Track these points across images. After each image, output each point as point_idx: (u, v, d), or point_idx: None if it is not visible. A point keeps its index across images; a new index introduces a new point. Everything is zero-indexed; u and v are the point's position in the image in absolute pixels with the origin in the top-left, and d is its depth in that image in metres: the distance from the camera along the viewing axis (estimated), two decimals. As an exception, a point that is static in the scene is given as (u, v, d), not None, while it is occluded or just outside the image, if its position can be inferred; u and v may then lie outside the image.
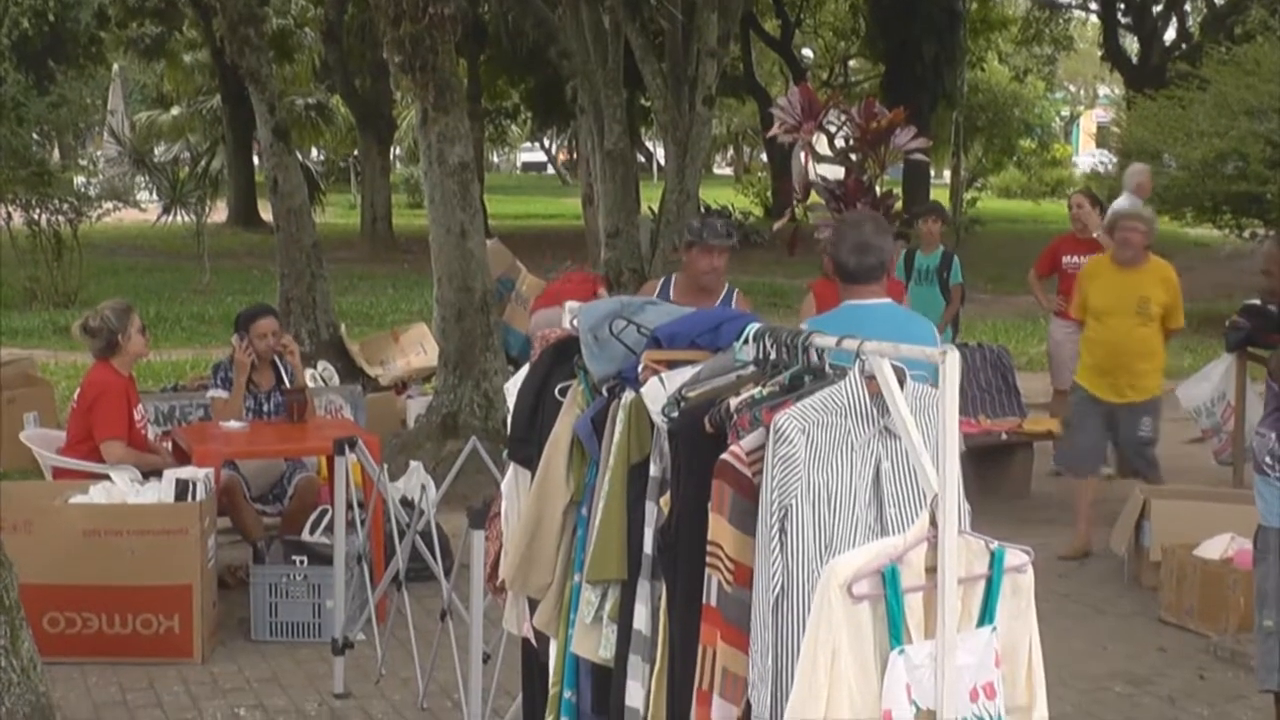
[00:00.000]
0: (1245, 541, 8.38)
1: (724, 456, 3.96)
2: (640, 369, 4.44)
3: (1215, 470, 11.42)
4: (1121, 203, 13.05)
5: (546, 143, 65.90)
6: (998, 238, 33.83)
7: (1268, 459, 5.93)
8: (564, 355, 4.89)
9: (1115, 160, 24.63)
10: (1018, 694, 3.81)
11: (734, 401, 4.10)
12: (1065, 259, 12.25)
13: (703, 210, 21.35)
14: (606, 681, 4.45)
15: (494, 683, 6.14)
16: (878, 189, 17.71)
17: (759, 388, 4.14)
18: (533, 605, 4.90)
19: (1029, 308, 23.02)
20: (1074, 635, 8.02)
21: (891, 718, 3.57)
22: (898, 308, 6.31)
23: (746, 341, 4.28)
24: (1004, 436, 11.26)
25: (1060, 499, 10.87)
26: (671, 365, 4.40)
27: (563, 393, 4.84)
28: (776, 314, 17.60)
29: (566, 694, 4.64)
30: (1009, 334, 18.98)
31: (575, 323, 4.80)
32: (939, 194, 35.62)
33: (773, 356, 4.22)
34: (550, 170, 69.67)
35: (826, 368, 4.09)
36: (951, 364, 3.67)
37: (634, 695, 4.30)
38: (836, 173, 17.04)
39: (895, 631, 3.59)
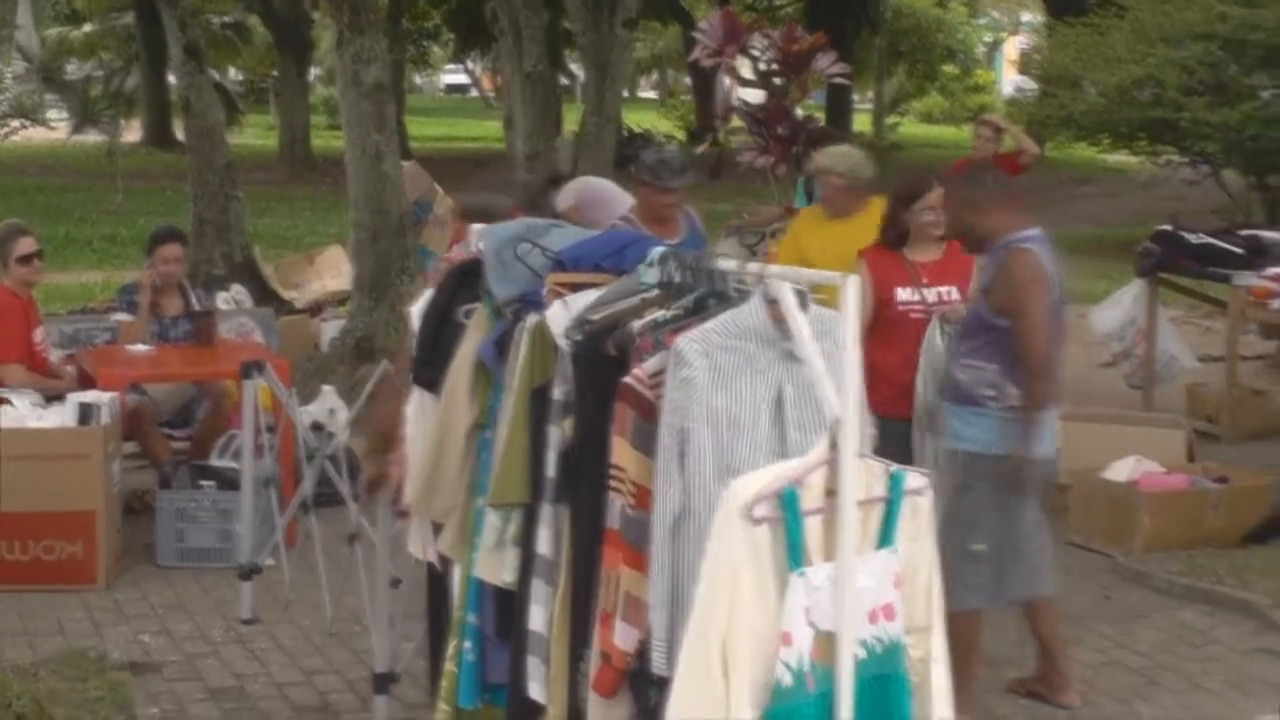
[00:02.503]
0: (1151, 464, 8.52)
1: (626, 379, 3.95)
2: (544, 292, 4.42)
3: (1125, 394, 11.52)
4: None
5: (470, 65, 65.36)
6: (919, 162, 33.87)
7: (986, 390, 5.93)
8: (468, 278, 4.86)
9: (1036, 86, 24.69)
10: (917, 615, 3.83)
11: (637, 325, 4.10)
12: None
13: (624, 134, 21.27)
14: (510, 605, 4.45)
15: (402, 608, 6.12)
16: (799, 113, 17.71)
17: (662, 311, 4.13)
18: (437, 529, 4.89)
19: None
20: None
21: (790, 639, 3.58)
22: None
23: (651, 265, 4.26)
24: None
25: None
26: (575, 288, 4.38)
27: (467, 315, 4.81)
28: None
29: (470, 618, 4.64)
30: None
31: (480, 245, 4.77)
32: (861, 119, 35.67)
33: (677, 280, 4.20)
34: (474, 92, 69.16)
35: (730, 291, 4.08)
36: (852, 288, 3.67)
37: (537, 619, 4.30)
38: (758, 97, 17.00)
39: (794, 554, 3.60)
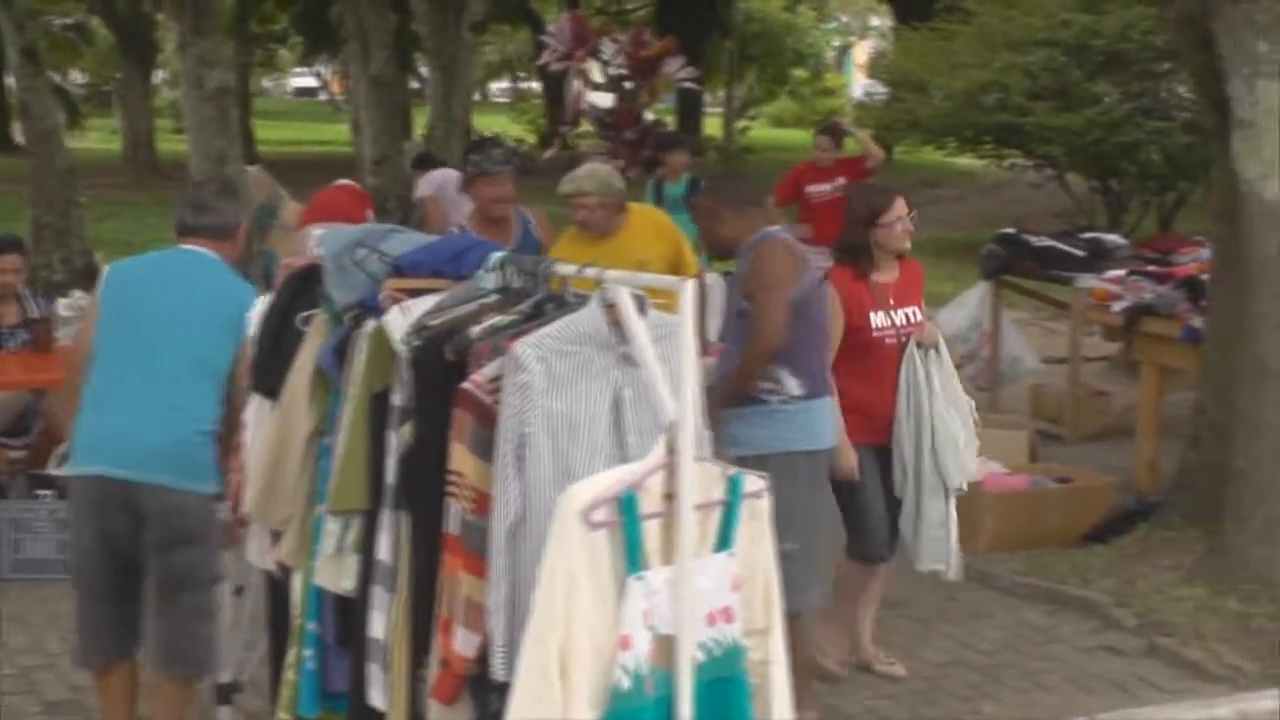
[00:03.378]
0: (995, 465, 8.62)
1: (464, 385, 3.94)
2: (382, 297, 4.39)
3: (971, 395, 11.64)
4: None
5: (319, 68, 64.83)
6: (770, 166, 34.05)
7: (766, 385, 5.97)
8: (307, 284, 4.82)
9: (885, 90, 24.95)
10: (755, 618, 3.85)
11: (475, 330, 4.08)
12: (809, 188, 12.41)
13: (473, 139, 21.17)
14: (350, 613, 4.41)
15: (246, 615, 6.04)
16: (649, 117, 17.76)
17: (501, 316, 4.11)
18: (276, 537, 4.83)
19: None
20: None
21: (629, 643, 3.58)
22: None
23: (490, 270, 4.25)
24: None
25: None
26: (414, 294, 4.35)
27: (306, 321, 4.76)
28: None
29: (310, 626, 4.59)
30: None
31: (319, 250, 4.72)
32: (712, 122, 35.83)
33: (516, 284, 4.20)
34: (323, 96, 68.60)
35: (568, 296, 4.08)
36: (689, 292, 3.68)
37: (377, 626, 4.27)
38: (607, 101, 17.01)
39: (633, 558, 3.60)
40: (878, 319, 6.46)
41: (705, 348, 8.90)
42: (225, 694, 5.88)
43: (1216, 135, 7.92)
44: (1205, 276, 9.10)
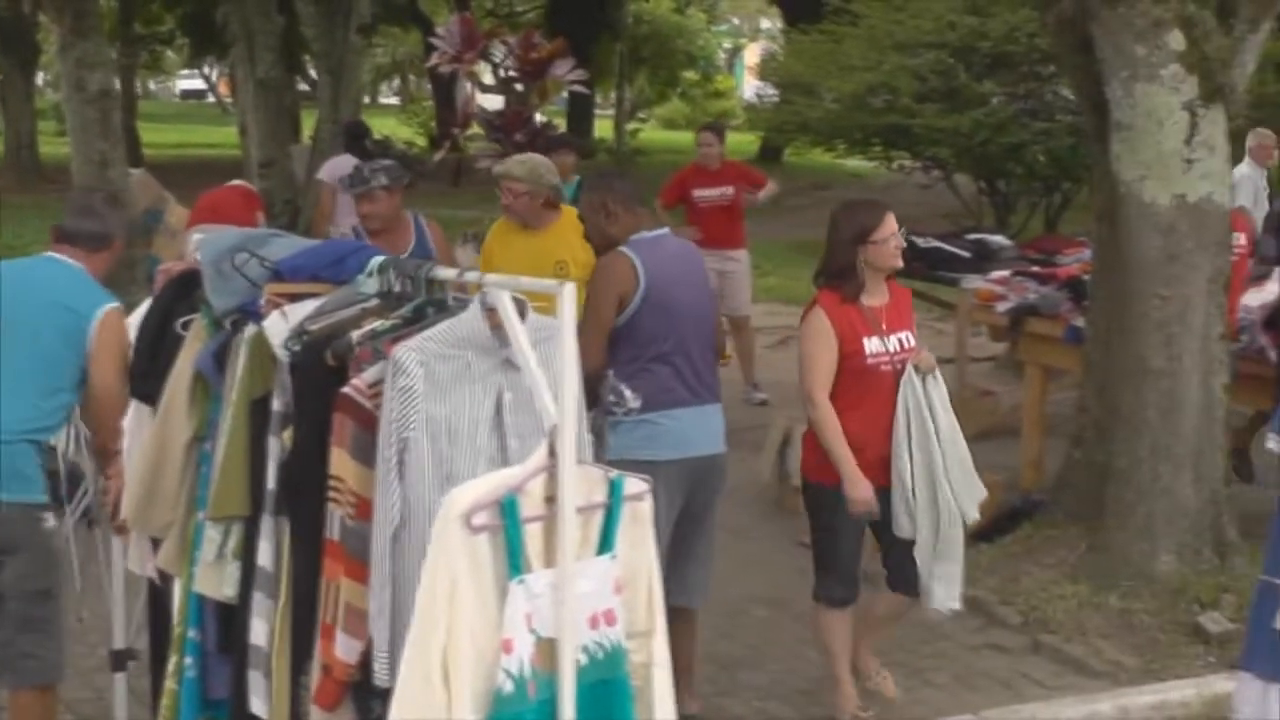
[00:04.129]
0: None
1: (344, 390, 3.93)
2: (262, 302, 4.36)
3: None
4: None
5: (206, 70, 64.22)
6: (661, 168, 34.16)
7: (610, 397, 6.02)
8: (186, 289, 4.78)
9: (775, 92, 25.05)
10: (638, 620, 3.85)
11: (356, 334, 4.06)
12: (696, 192, 12.43)
13: (366, 143, 21.02)
14: (231, 620, 4.37)
15: (133, 623, 5.96)
16: (539, 119, 17.72)
17: (381, 320, 4.10)
18: (156, 545, 4.79)
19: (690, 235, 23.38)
20: (716, 560, 8.14)
21: (512, 647, 3.58)
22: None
23: (370, 274, 4.23)
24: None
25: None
26: (294, 298, 4.33)
27: (185, 327, 4.72)
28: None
29: (191, 633, 4.55)
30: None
31: (198, 255, 4.68)
32: (603, 125, 35.84)
33: (396, 289, 4.18)
34: (211, 98, 67.97)
35: (449, 300, 4.07)
36: (568, 296, 3.68)
37: (258, 633, 4.23)
38: (497, 103, 16.96)
39: (515, 561, 3.60)
40: (872, 345, 6.04)
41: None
42: (120, 661, 5.76)
43: (1096, 137, 8.03)
44: (1087, 277, 9.22)
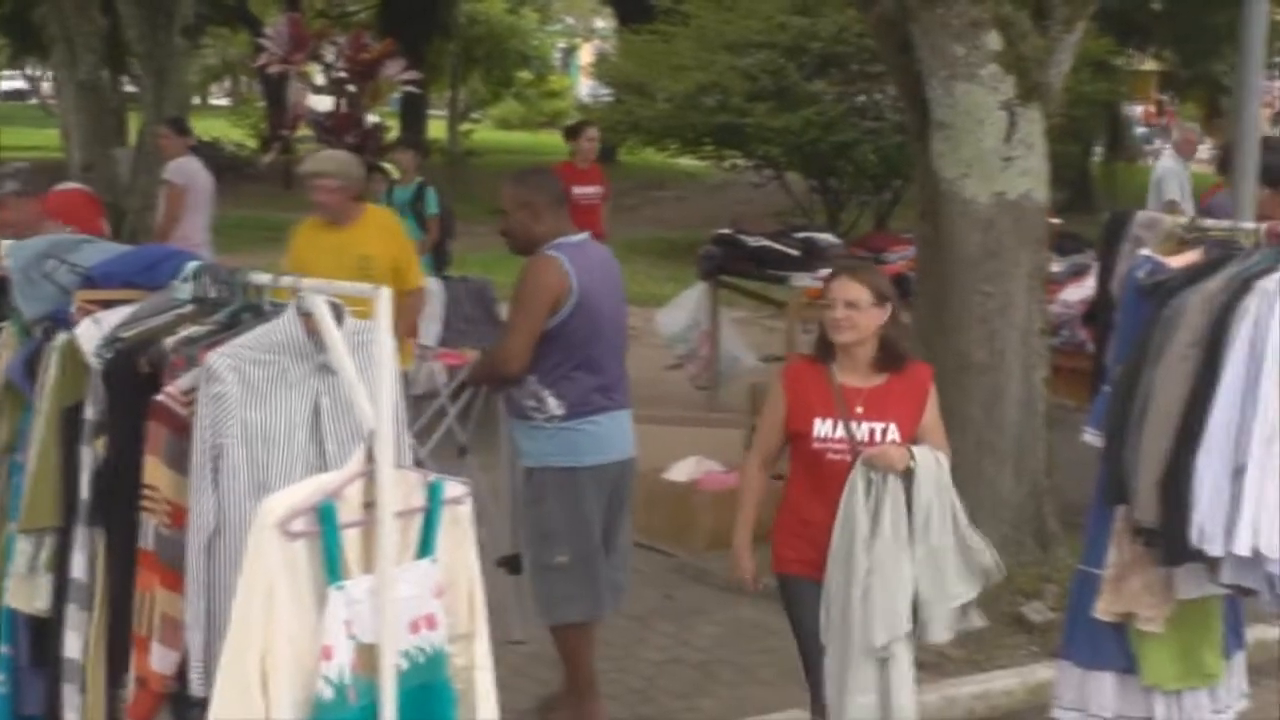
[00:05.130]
0: (712, 463, 8.74)
1: (158, 397, 3.88)
2: (73, 309, 4.29)
3: (692, 395, 11.81)
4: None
5: (29, 70, 62.91)
6: (496, 169, 34.09)
7: (529, 402, 6.04)
8: (-5, 296, 4.68)
9: (609, 92, 25.11)
10: (460, 623, 3.85)
11: (170, 341, 4.02)
12: (576, 189, 12.48)
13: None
14: (44, 633, 4.30)
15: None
16: (371, 120, 17.54)
17: (196, 326, 4.06)
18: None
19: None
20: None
21: (331, 653, 3.55)
22: None
23: (185, 280, 4.18)
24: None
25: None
26: (107, 305, 4.26)
27: (-6, 335, 4.63)
28: (271, 250, 17.30)
29: (3, 649, 4.46)
30: (504, 266, 19.10)
31: (6, 262, 4.59)
32: (437, 125, 35.66)
33: (212, 294, 4.14)
34: (34, 99, 66.59)
35: (265, 305, 4.04)
36: (384, 299, 3.66)
37: (72, 646, 4.17)
38: (327, 104, 16.78)
39: (333, 567, 3.57)
40: (823, 427, 5.26)
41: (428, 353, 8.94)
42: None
43: (918, 136, 8.14)
44: (913, 274, 9.34)
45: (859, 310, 5.19)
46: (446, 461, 8.18)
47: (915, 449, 5.22)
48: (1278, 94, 49.19)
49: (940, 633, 5.28)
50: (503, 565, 6.48)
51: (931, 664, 6.86)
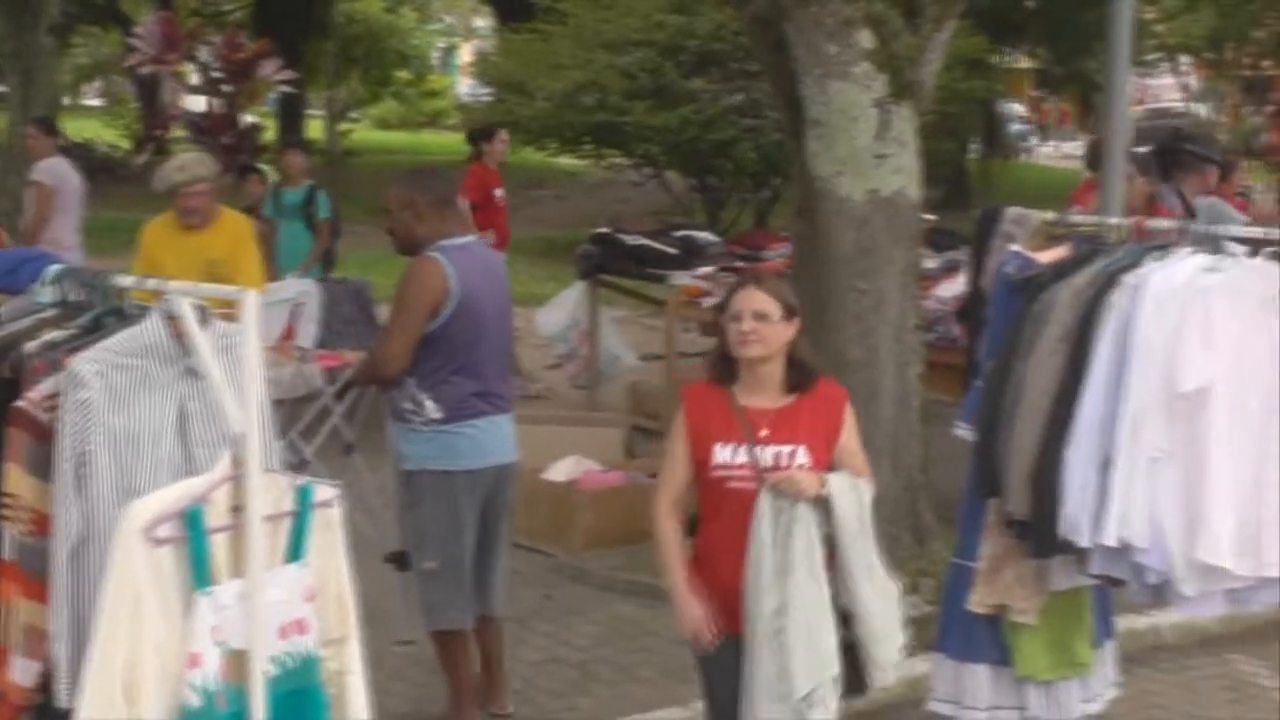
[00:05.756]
0: (591, 463, 8.73)
1: (18, 403, 3.82)
2: (-69, 314, 4.21)
3: (572, 394, 11.81)
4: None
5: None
6: (376, 169, 33.88)
7: (408, 405, 6.03)
8: None
9: (489, 91, 25.02)
10: (331, 627, 3.82)
11: (32, 346, 3.95)
12: (497, 191, 12.55)
13: (63, 144, 20.41)
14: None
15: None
16: (246, 120, 17.42)
17: (59, 330, 3.99)
18: None
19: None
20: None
21: (198, 660, 3.53)
22: None
23: (46, 283, 4.12)
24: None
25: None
26: (-34, 309, 4.19)
27: None
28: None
29: None
30: (384, 266, 18.99)
31: None
32: (315, 125, 35.38)
33: (75, 298, 4.08)
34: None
35: (129, 309, 3.98)
36: (252, 303, 3.62)
37: (-67, 659, 4.08)
38: (200, 104, 16.63)
39: (201, 573, 3.54)
40: (724, 453, 4.84)
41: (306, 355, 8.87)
42: None
43: (793, 134, 8.17)
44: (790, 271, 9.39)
45: (768, 323, 4.78)
46: (332, 460, 8.17)
47: (831, 475, 4.81)
48: (1153, 92, 50.21)
49: (889, 676, 4.99)
50: (390, 561, 6.45)
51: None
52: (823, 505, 4.75)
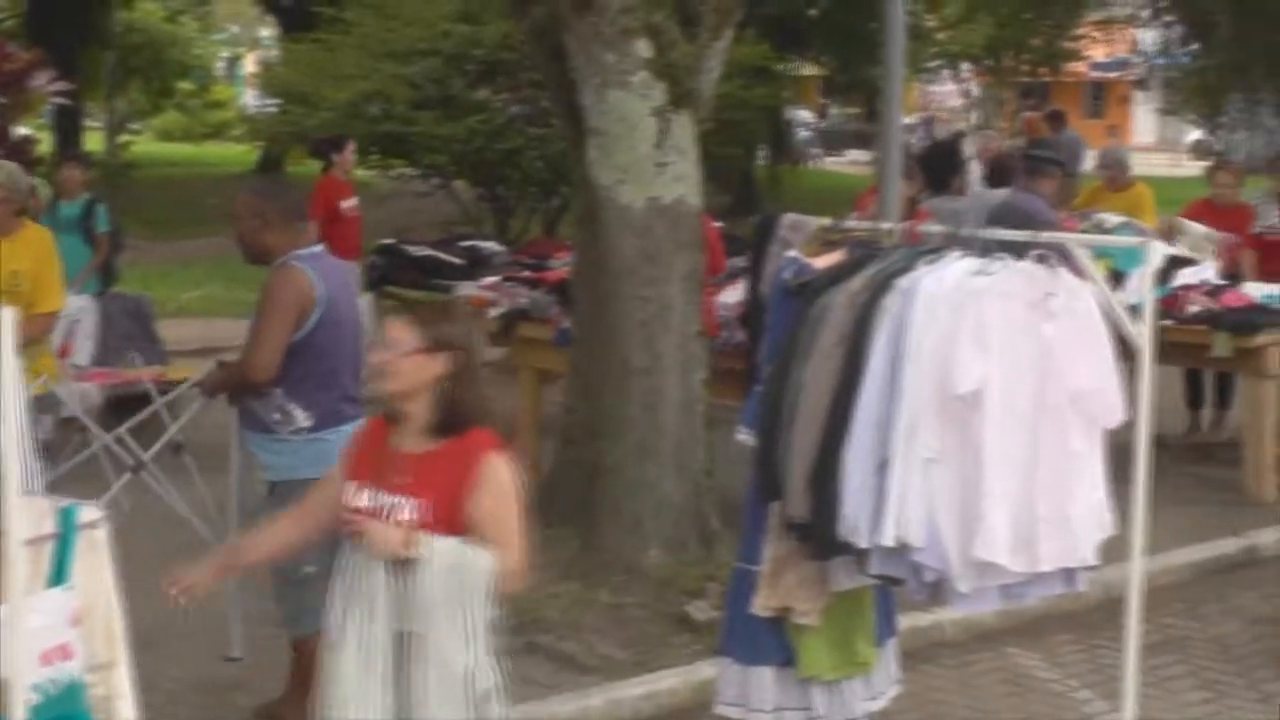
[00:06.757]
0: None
1: None
2: None
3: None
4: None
5: None
6: (157, 182, 33.30)
7: (274, 415, 5.98)
8: None
9: (274, 102, 24.71)
10: (98, 652, 3.74)
11: None
12: (343, 204, 12.44)
13: None
14: None
15: None
16: (20, 133, 16.96)
17: None
18: None
19: (190, 253, 22.84)
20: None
21: (-43, 691, 3.41)
22: None
23: None
24: (147, 385, 11.04)
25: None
26: None
27: None
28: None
29: None
30: (164, 280, 18.70)
31: None
32: (94, 138, 34.68)
33: None
34: None
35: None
36: (6, 320, 3.52)
37: None
38: (-27, 116, 16.11)
39: (-41, 601, 3.43)
40: (352, 493, 4.44)
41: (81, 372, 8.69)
42: None
43: (574, 144, 8.19)
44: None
45: (402, 355, 4.30)
46: (162, 460, 8.02)
47: (438, 538, 4.21)
48: (936, 98, 51.23)
49: None
50: None
51: (598, 667, 6.92)
52: (408, 571, 4.21)
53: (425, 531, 4.20)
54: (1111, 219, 10.84)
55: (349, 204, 12.62)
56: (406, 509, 4.26)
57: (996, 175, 11.57)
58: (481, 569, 4.22)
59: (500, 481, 4.30)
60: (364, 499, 4.34)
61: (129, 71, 39.65)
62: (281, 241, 6.05)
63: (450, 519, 4.25)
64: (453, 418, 4.32)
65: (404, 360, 4.30)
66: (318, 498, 4.67)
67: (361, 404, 6.18)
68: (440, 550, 4.19)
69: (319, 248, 6.23)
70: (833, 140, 46.04)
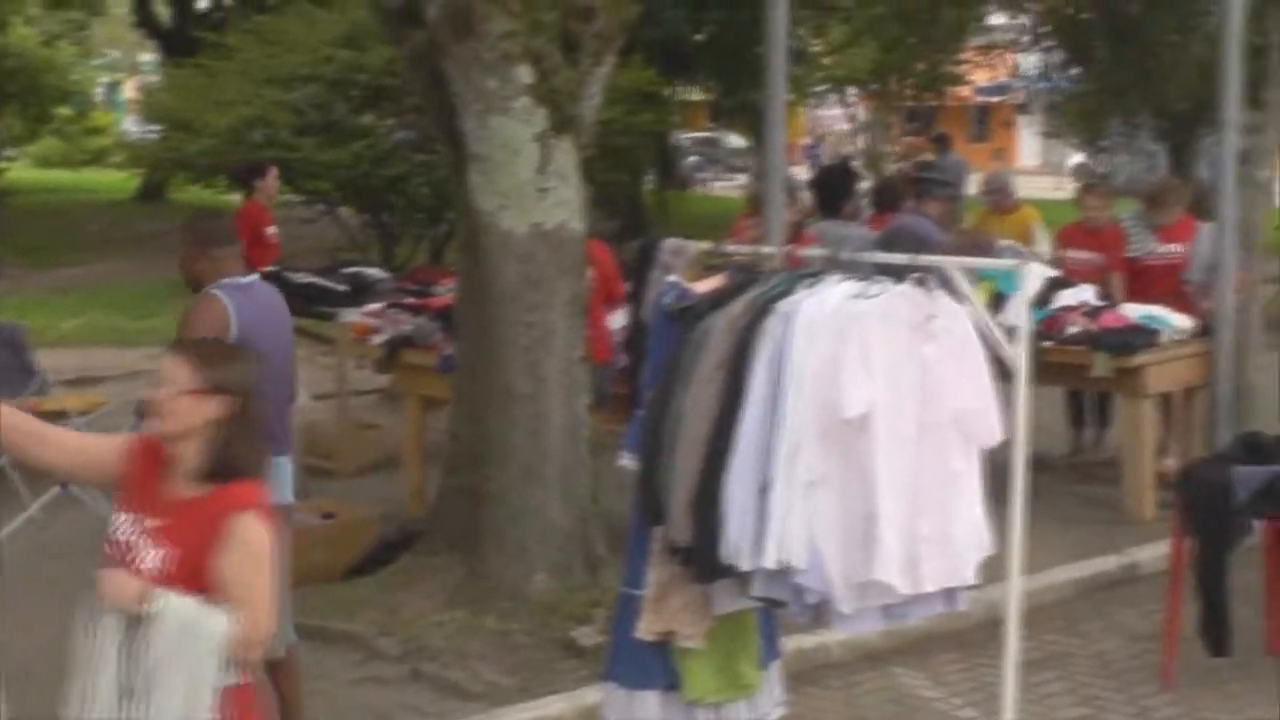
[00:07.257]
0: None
1: None
2: None
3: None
4: None
5: None
6: (34, 209, 32.89)
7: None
8: None
9: (155, 128, 24.48)
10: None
11: None
12: (268, 230, 12.40)
13: None
14: None
15: None
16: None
17: None
18: None
19: (68, 281, 22.56)
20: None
21: None
22: None
23: None
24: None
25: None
26: None
27: None
28: None
29: None
30: (43, 309, 18.44)
31: None
32: (-32, 165, 34.19)
33: None
34: None
35: None
36: None
37: None
38: None
39: None
40: (118, 521, 4.18)
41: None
42: None
43: (455, 169, 8.17)
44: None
45: (175, 394, 4.07)
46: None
47: (175, 595, 3.91)
48: (824, 123, 51.62)
49: None
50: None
51: (484, 694, 6.91)
52: (141, 626, 3.89)
53: (165, 585, 3.92)
54: (999, 243, 10.96)
55: (271, 230, 12.60)
56: (150, 557, 3.99)
57: (883, 198, 11.67)
58: (215, 632, 3.89)
59: (250, 542, 3.98)
60: (123, 530, 4.08)
61: (4, 97, 39.03)
62: (211, 270, 6.12)
63: (194, 575, 3.96)
64: (220, 466, 4.05)
65: (176, 400, 4.07)
66: (94, 449, 4.32)
67: (283, 440, 6.15)
68: (174, 608, 3.88)
69: (251, 278, 6.28)
70: (723, 164, 46.32)
